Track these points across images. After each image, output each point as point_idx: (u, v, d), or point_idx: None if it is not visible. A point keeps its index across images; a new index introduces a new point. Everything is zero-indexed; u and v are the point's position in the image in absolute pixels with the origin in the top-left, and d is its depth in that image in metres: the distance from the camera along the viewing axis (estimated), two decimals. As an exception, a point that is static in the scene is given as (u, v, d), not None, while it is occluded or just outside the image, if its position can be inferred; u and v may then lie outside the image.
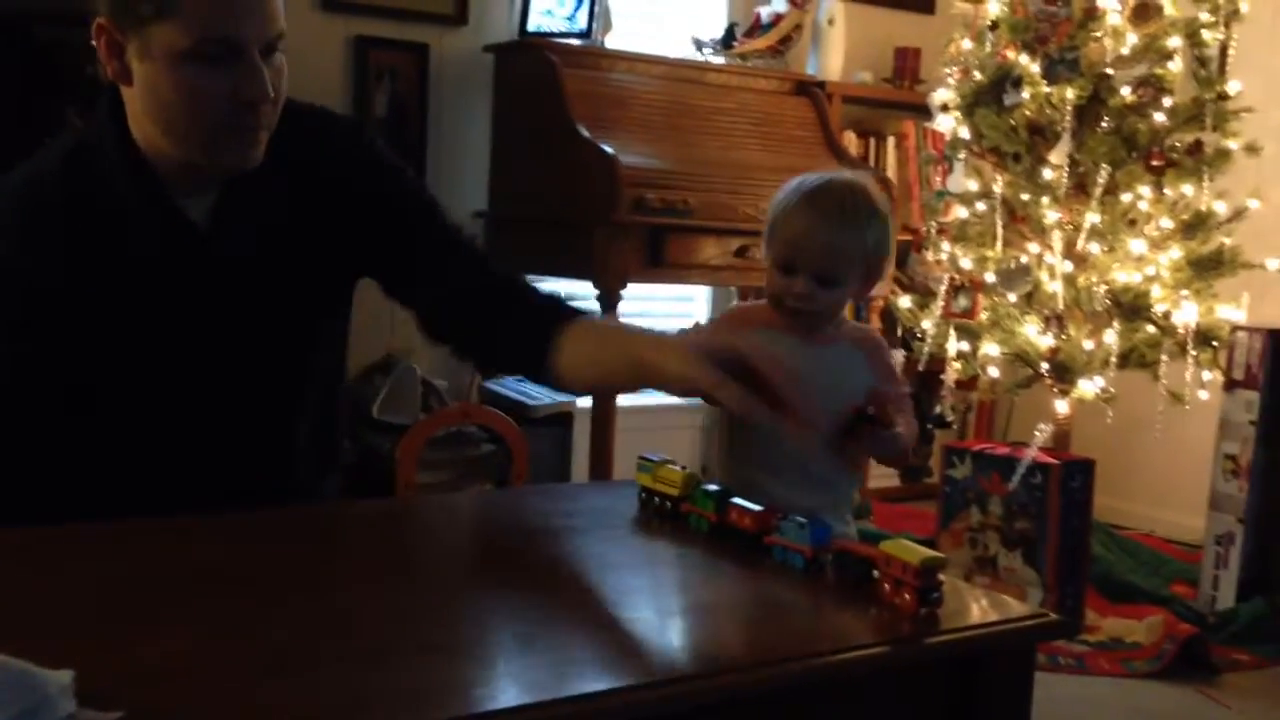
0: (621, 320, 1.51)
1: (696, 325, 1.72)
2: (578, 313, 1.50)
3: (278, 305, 1.48)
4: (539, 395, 3.32)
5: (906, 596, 1.06)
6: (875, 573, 1.10)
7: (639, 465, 1.42)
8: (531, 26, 3.48)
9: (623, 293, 3.14)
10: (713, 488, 1.31)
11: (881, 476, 4.04)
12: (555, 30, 3.47)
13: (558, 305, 1.52)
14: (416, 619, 1.04)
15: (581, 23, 3.45)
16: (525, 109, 3.38)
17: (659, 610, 1.12)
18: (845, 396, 1.52)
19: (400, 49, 3.42)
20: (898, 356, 3.66)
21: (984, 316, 3.42)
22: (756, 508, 1.25)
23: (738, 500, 1.27)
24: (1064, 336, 3.26)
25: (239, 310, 1.46)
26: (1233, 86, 3.26)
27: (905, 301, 3.64)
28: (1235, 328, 3.17)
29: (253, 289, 1.46)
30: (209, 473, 1.45)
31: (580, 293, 3.43)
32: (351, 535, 1.37)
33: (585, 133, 3.14)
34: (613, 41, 3.57)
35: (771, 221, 1.63)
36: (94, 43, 1.35)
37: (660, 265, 3.15)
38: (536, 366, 1.47)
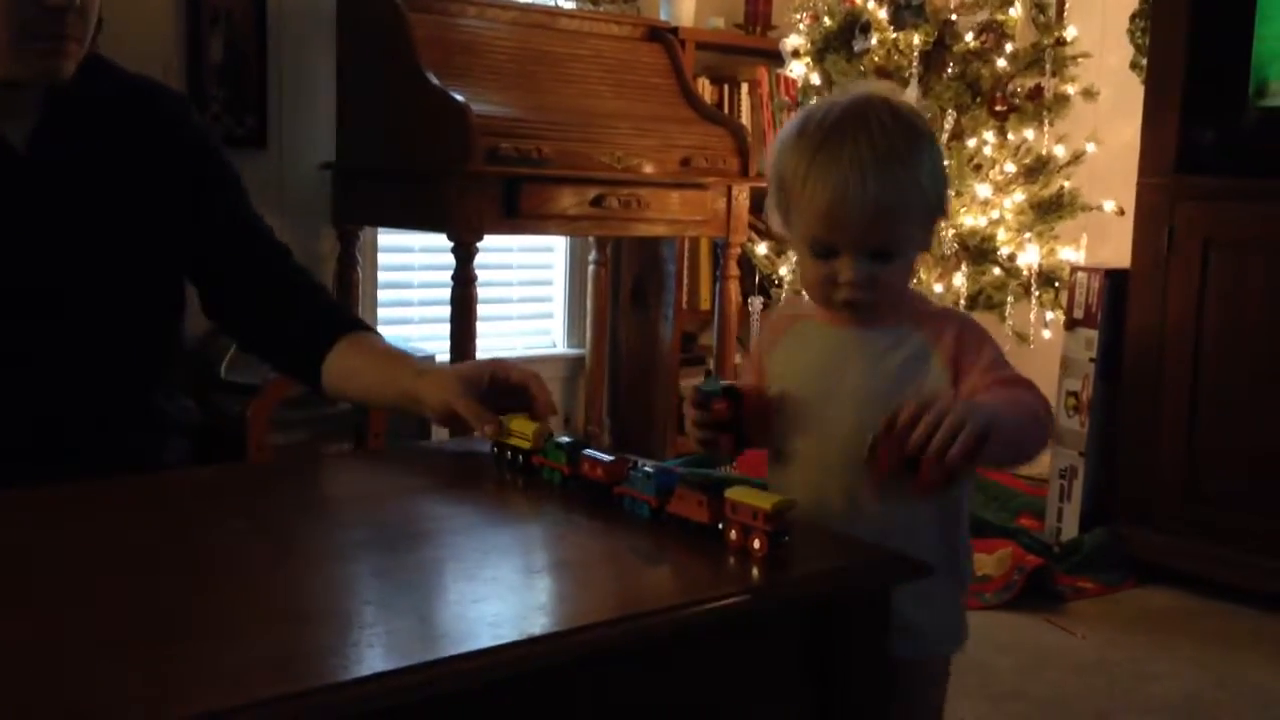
0: (394, 345, 1.55)
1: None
2: (357, 325, 1.55)
3: (95, 238, 1.48)
4: (395, 351, 3.25)
5: (757, 543, 1.06)
6: (721, 523, 1.09)
7: None
8: (375, -30, 3.37)
9: (479, 245, 3.09)
10: (564, 439, 1.30)
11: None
12: (401, -26, 3.37)
13: (337, 314, 1.57)
14: (270, 586, 1.01)
15: (428, -34, 3.35)
16: (371, 56, 3.27)
17: (519, 569, 1.10)
18: (895, 392, 1.19)
19: (236, -8, 3.27)
20: (756, 304, 3.71)
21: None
22: (608, 458, 1.24)
23: (590, 451, 1.26)
24: (916, 280, 3.34)
25: (58, 237, 1.45)
26: (1070, 32, 3.37)
27: (762, 248, 3.68)
28: (1075, 268, 3.29)
29: (72, 217, 1.46)
30: (25, 410, 1.43)
31: (435, 245, 3.37)
32: (201, 501, 1.32)
33: (435, 80, 3.07)
34: (461, -14, 3.48)
35: (779, 187, 1.24)
36: None
37: (516, 216, 3.11)
38: (306, 372, 1.53)
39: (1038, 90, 3.34)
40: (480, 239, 3.09)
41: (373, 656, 0.85)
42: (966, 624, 1.36)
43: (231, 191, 1.61)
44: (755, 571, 1.05)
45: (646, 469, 1.18)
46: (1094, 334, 3.19)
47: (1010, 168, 3.36)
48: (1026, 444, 1.18)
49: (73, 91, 1.45)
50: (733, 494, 1.09)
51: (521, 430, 1.35)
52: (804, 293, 1.31)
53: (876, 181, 1.16)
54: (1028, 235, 3.34)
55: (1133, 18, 3.67)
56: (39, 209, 1.44)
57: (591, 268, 4.02)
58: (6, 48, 1.36)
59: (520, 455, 1.35)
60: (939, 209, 1.24)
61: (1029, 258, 3.32)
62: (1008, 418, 1.12)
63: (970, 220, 3.35)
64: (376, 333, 1.58)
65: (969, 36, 3.30)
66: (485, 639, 0.88)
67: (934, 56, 3.32)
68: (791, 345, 1.32)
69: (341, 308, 1.62)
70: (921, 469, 1.09)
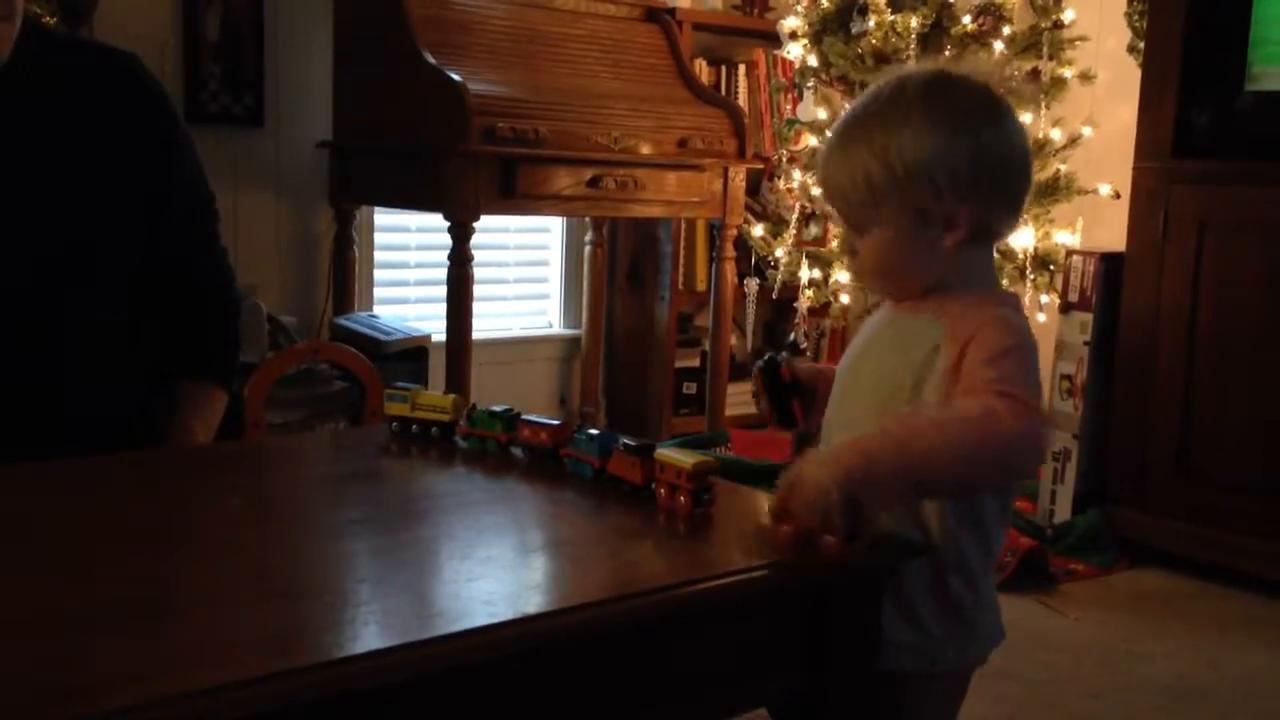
0: (215, 395, 1.74)
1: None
2: (205, 373, 1.71)
3: (63, 212, 1.48)
4: (391, 330, 3.25)
5: (682, 499, 1.12)
6: (653, 483, 1.15)
7: (389, 396, 1.39)
8: (373, -52, 3.35)
9: (475, 225, 3.09)
10: (495, 408, 1.32)
11: (740, 405, 4.07)
12: (398, -48, 3.35)
13: (196, 357, 1.70)
14: (266, 563, 1.01)
15: (425, -55, 3.33)
16: (368, 34, 3.26)
17: (513, 547, 1.11)
18: (910, 383, 1.15)
19: (233, -30, 3.26)
20: (752, 285, 3.71)
21: (835, 244, 3.47)
22: (552, 421, 1.28)
23: (529, 417, 1.29)
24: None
25: (23, 213, 1.46)
26: (1068, 15, 3.36)
27: (758, 230, 3.68)
28: (1070, 252, 3.29)
29: (36, 192, 1.47)
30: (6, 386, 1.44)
31: (432, 225, 3.37)
32: (198, 477, 1.32)
33: (432, 59, 3.06)
34: (458, -35, 3.47)
35: None
36: None
37: (512, 196, 3.10)
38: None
39: (1035, 73, 3.33)
40: (477, 219, 3.08)
41: (368, 634, 0.86)
42: (964, 644, 1.27)
43: (183, 164, 1.62)
44: (756, 553, 1.05)
45: (590, 432, 1.22)
46: (1089, 317, 3.20)
47: (1007, 150, 3.36)
48: (958, 480, 1.08)
49: (16, 68, 1.43)
50: (661, 455, 1.14)
51: (436, 403, 1.34)
52: None
53: (839, 153, 1.18)
54: (1023, 218, 3.35)
55: (1130, 1, 3.66)
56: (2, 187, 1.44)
57: (588, 248, 4.01)
58: None
59: (434, 427, 1.35)
60: (923, 188, 1.12)
61: (1024, 241, 3.32)
62: (891, 459, 1.03)
63: (966, 203, 3.35)
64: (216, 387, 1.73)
65: (967, 19, 3.29)
66: (480, 617, 0.88)
67: (932, 39, 3.31)
68: (867, 323, 1.32)
69: (210, 351, 1.74)
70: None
